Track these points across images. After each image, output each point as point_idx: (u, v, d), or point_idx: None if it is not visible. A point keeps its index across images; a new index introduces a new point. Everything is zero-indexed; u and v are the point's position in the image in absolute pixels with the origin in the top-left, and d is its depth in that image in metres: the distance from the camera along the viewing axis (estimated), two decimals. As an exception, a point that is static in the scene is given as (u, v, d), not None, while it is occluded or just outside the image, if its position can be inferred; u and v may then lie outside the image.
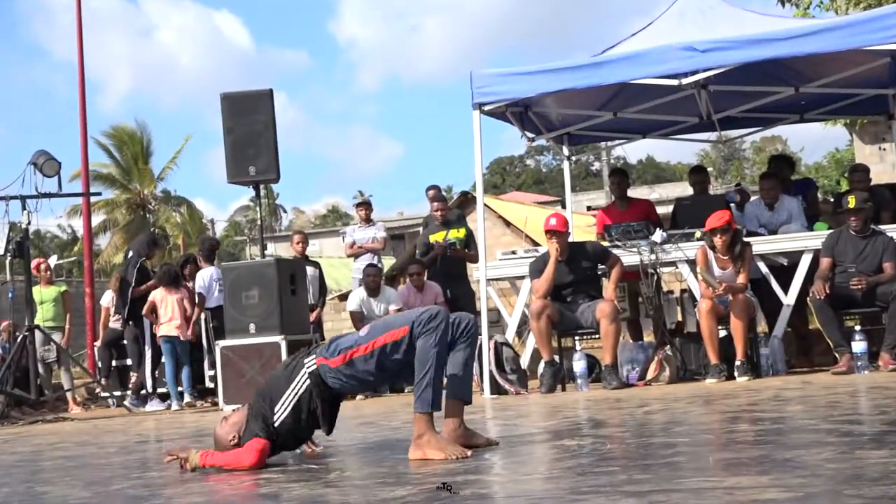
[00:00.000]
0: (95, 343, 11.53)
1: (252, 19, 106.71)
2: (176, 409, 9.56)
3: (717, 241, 7.32)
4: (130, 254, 10.32)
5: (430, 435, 3.68)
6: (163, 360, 10.02)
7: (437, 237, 10.03)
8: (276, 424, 3.77)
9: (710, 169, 37.42)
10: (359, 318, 9.60)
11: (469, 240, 10.03)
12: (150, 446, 5.57)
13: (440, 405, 3.72)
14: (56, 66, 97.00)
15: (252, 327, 8.44)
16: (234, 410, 4.06)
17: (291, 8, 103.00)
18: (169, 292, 9.94)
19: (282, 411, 3.77)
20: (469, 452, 3.63)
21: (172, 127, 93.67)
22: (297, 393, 3.78)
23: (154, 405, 9.70)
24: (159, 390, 10.00)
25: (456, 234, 10.03)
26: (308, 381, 3.77)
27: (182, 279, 10.34)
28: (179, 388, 9.88)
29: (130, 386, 10.18)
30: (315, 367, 3.78)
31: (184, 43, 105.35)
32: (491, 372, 7.56)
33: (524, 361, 8.16)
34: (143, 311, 9.91)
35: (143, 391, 9.98)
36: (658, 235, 8.03)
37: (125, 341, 10.35)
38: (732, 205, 8.62)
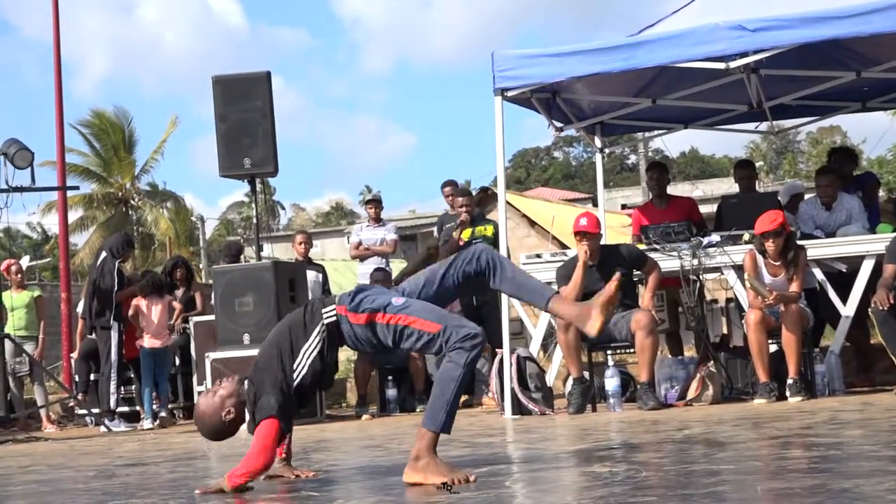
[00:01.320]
0: (72, 355, 11.58)
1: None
2: (148, 427, 9.61)
3: (769, 245, 7.30)
4: (103, 254, 10.31)
5: (430, 458, 3.74)
6: (130, 373, 10.19)
7: (466, 233, 10.03)
8: (296, 381, 3.91)
9: (759, 163, 37.28)
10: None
11: (497, 238, 10.03)
12: (132, 470, 5.60)
13: (450, 429, 3.81)
14: (25, 44, 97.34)
15: (246, 338, 8.47)
16: (219, 382, 4.12)
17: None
18: (152, 302, 10.01)
19: (302, 366, 3.92)
20: (473, 476, 3.70)
21: (156, 114, 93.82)
22: (316, 346, 3.93)
23: (116, 425, 9.64)
24: (121, 409, 10.00)
25: (483, 231, 10.02)
26: (325, 335, 3.93)
27: (168, 287, 10.42)
28: (172, 405, 10.03)
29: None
30: (334, 317, 3.93)
31: (168, 20, 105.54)
32: (513, 390, 7.56)
33: (550, 378, 8.16)
34: (129, 316, 9.96)
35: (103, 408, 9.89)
36: (707, 238, 8.02)
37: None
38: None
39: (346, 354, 11.88)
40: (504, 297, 8.09)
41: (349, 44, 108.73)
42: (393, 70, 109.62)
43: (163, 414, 9.90)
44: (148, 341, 9.92)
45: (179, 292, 10.74)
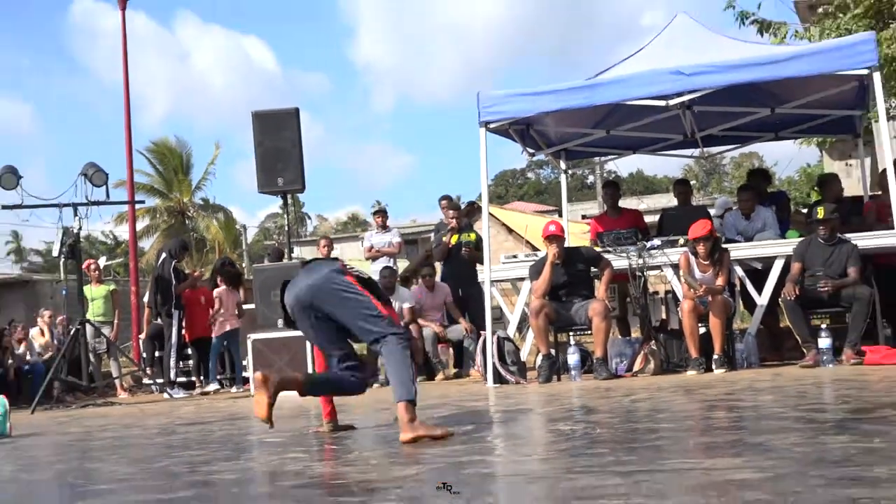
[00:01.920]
0: (140, 336, 11.59)
1: (277, 44, 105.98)
2: (209, 391, 9.69)
3: (700, 248, 7.32)
4: (163, 255, 10.33)
5: (417, 420, 3.81)
6: (187, 350, 10.26)
7: (454, 238, 10.06)
8: None
9: (693, 182, 37.21)
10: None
11: (479, 243, 10.05)
12: (190, 428, 5.60)
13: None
14: (101, 86, 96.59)
15: (280, 323, 8.45)
16: None
17: (313, 33, 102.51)
18: (231, 292, 10.08)
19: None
20: (452, 430, 3.85)
21: (208, 143, 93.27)
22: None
23: (176, 392, 9.62)
24: (180, 379, 10.02)
25: (467, 237, 10.03)
26: None
27: (240, 280, 10.57)
28: (221, 376, 10.08)
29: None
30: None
31: (216, 67, 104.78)
32: (494, 364, 7.56)
33: (524, 354, 8.16)
34: (213, 309, 10.00)
35: (166, 379, 9.90)
36: (650, 242, 8.03)
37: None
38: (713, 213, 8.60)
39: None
40: (486, 290, 8.10)
41: (361, 85, 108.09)
42: (396, 105, 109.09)
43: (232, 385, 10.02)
44: (224, 325, 9.97)
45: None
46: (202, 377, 10.31)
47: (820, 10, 14.98)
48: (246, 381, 9.67)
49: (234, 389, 9.94)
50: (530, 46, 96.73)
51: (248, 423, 5.48)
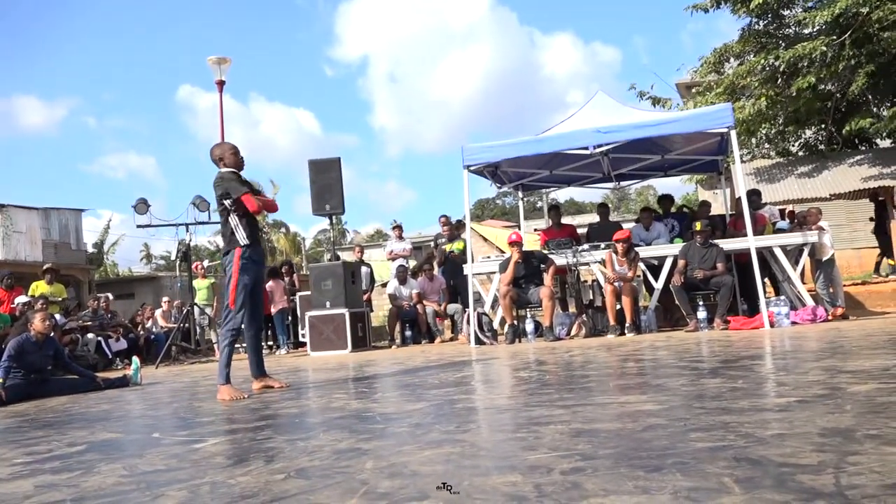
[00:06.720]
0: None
1: (321, 114, 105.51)
2: (282, 353, 9.58)
3: (620, 247, 7.33)
4: None
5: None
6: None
7: (449, 247, 10.03)
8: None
9: (609, 205, 37.17)
10: (394, 298, 9.55)
11: (464, 249, 9.98)
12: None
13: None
14: (199, 145, 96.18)
15: (328, 304, 8.41)
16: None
17: (344, 107, 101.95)
18: (276, 283, 9.97)
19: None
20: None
21: (276, 182, 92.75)
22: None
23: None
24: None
25: (459, 245, 9.99)
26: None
27: (282, 275, 10.43)
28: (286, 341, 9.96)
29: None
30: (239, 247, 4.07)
31: (278, 131, 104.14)
32: (475, 331, 7.54)
33: (496, 324, 8.14)
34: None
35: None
36: (581, 246, 8.02)
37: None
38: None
39: (382, 312, 11.79)
40: (470, 279, 8.05)
41: (379, 142, 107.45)
42: (403, 155, 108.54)
43: (285, 349, 9.88)
44: (278, 304, 9.89)
45: (287, 279, 10.66)
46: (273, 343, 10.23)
47: (693, 90, 15.04)
48: (302, 344, 9.63)
49: (281, 352, 9.77)
50: (491, 113, 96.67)
51: (306, 374, 5.42)
